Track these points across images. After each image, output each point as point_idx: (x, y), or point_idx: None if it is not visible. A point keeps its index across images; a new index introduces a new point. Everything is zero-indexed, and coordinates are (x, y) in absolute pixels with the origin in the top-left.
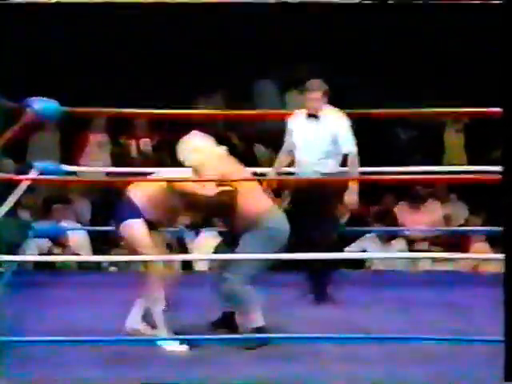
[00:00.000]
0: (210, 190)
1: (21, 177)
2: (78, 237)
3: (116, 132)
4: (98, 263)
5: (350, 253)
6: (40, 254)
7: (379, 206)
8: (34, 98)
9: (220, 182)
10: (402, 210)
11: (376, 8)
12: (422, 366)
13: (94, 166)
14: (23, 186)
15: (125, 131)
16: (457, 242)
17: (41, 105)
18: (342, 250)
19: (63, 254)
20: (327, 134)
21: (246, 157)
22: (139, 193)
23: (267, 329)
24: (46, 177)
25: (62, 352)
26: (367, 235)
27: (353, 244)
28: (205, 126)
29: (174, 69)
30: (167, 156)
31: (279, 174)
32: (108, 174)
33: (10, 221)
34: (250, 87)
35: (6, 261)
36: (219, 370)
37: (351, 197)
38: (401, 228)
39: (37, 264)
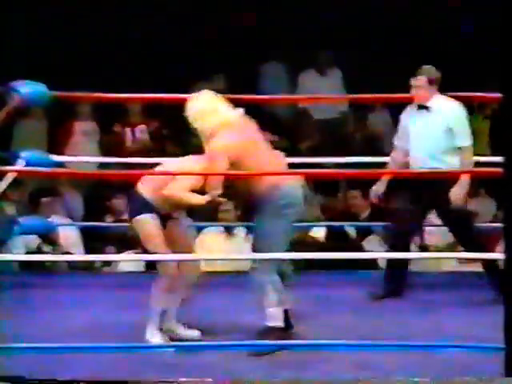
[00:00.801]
0: (215, 184)
1: (5, 168)
2: (69, 234)
3: (108, 120)
4: (91, 263)
5: (366, 253)
6: (27, 253)
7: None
8: (19, 81)
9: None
10: None
11: None
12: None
13: (82, 155)
14: (8, 178)
15: (118, 118)
16: (484, 240)
17: (27, 88)
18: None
19: (53, 252)
20: (440, 126)
21: None
22: (149, 186)
23: (284, 332)
24: (33, 168)
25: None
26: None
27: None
28: None
29: (171, 52)
30: (167, 144)
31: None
32: (100, 164)
33: None
34: (254, 70)
35: None
36: (222, 378)
37: (459, 191)
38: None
39: (24, 263)
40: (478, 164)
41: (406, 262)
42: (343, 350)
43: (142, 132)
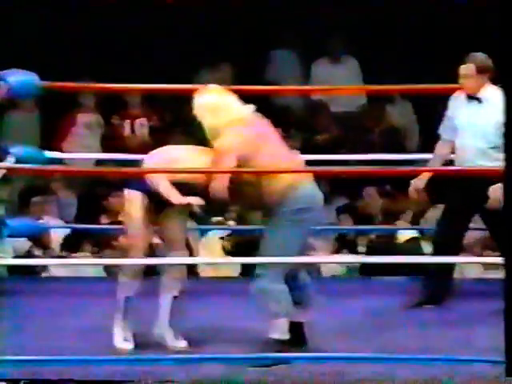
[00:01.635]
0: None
1: None
2: (62, 236)
3: (110, 112)
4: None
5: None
6: (17, 257)
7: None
8: (8, 70)
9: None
10: None
11: None
12: None
13: (81, 150)
14: None
15: (118, 110)
16: None
17: (16, 78)
18: None
19: (45, 256)
20: (491, 120)
21: None
22: (151, 164)
23: (288, 346)
24: (24, 165)
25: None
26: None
27: None
28: None
29: (173, 40)
30: (167, 139)
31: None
32: (98, 161)
33: None
34: (262, 57)
35: None
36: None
37: (497, 192)
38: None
39: (13, 268)
40: None
41: (452, 267)
42: (352, 363)
43: (141, 125)
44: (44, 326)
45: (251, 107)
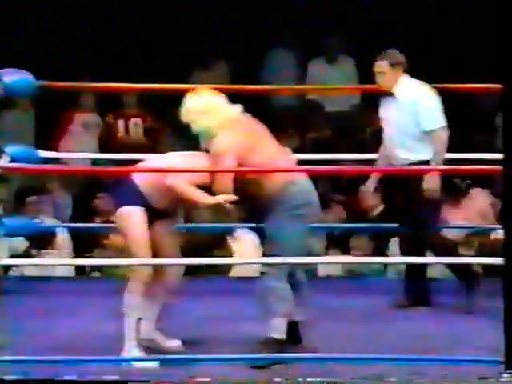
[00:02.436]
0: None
1: None
2: (58, 236)
3: (107, 111)
4: (81, 267)
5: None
6: (13, 257)
7: None
8: (3, 70)
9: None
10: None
11: None
12: None
13: (78, 150)
14: None
15: (112, 110)
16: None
17: (11, 78)
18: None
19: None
20: (406, 111)
21: None
22: (144, 176)
23: (286, 346)
24: (19, 164)
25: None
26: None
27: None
28: None
29: (169, 39)
30: (161, 140)
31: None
32: (94, 161)
33: None
34: (260, 57)
35: None
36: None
37: (432, 180)
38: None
39: (9, 268)
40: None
41: (424, 269)
42: (347, 363)
43: (135, 125)
44: (37, 326)
45: (240, 108)
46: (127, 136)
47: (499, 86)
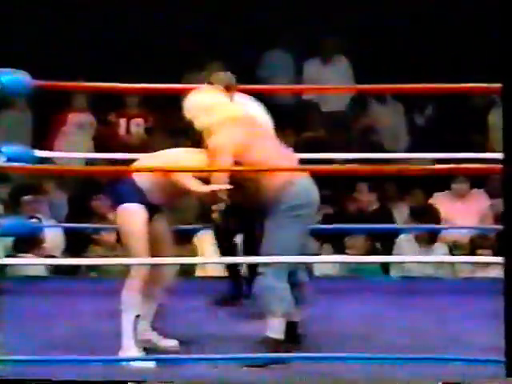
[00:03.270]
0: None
1: None
2: (53, 235)
3: (104, 112)
4: (77, 267)
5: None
6: (7, 256)
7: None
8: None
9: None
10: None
11: None
12: None
13: (71, 150)
14: None
15: (115, 109)
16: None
17: (7, 77)
18: None
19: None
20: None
21: None
22: (144, 173)
23: (284, 346)
24: (15, 164)
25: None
26: (401, 236)
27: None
28: None
29: (167, 39)
30: (162, 142)
31: None
32: (88, 162)
33: None
34: (256, 58)
35: None
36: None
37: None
38: (441, 226)
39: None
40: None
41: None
42: (345, 362)
43: (138, 125)
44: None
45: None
46: (128, 136)
47: (499, 85)
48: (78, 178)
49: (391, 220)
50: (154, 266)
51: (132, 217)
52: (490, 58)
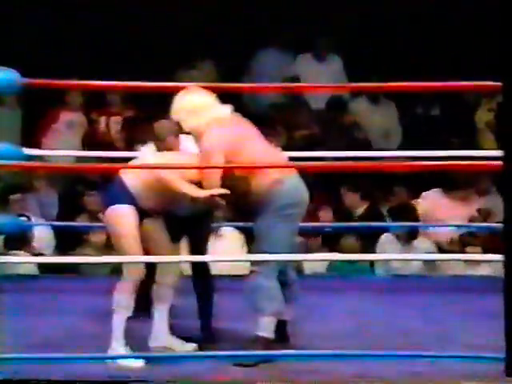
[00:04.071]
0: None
1: None
2: (43, 234)
3: (91, 110)
4: (66, 266)
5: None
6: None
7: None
8: None
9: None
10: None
11: None
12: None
13: (60, 148)
14: None
15: (98, 107)
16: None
17: None
18: None
19: (25, 254)
20: None
21: None
22: (133, 176)
23: (274, 345)
24: (4, 162)
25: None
26: (383, 236)
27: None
28: None
29: (157, 37)
30: (135, 136)
31: None
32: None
33: None
34: (247, 56)
35: None
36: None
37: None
38: (427, 224)
39: None
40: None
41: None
42: (335, 360)
43: (116, 123)
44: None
45: (229, 107)
46: (107, 133)
47: (499, 84)
48: (68, 176)
49: (381, 219)
50: (149, 267)
51: (122, 218)
52: (490, 58)
